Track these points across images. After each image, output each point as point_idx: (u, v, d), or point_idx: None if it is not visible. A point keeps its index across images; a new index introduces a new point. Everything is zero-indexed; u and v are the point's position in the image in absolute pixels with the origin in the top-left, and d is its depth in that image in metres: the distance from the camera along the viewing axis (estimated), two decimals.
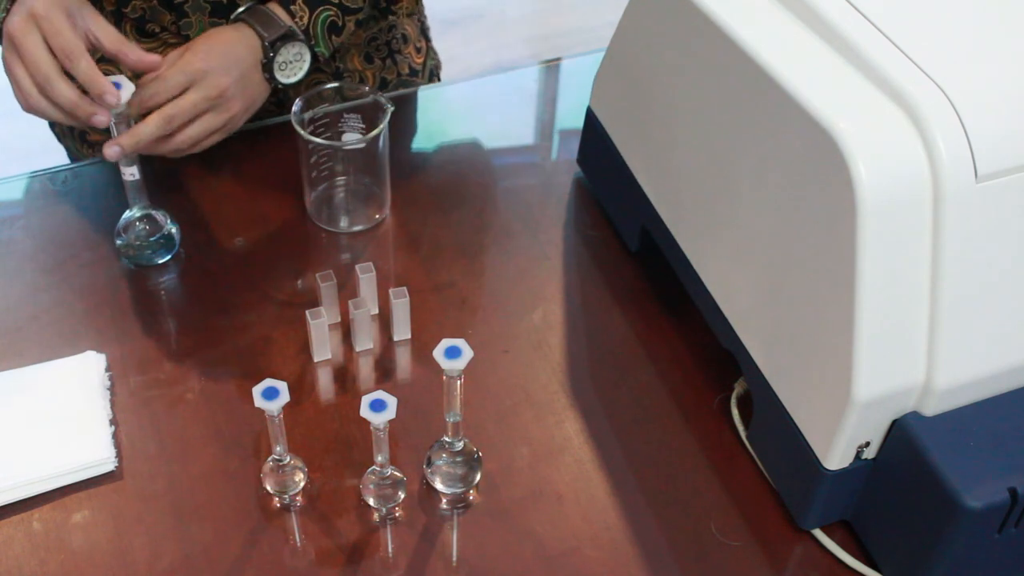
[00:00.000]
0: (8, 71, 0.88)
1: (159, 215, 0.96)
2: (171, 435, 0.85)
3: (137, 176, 0.93)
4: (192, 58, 0.92)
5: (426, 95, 1.17)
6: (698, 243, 0.86)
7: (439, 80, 1.28)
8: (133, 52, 0.90)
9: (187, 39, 1.07)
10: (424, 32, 1.24)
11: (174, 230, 0.97)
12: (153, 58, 0.90)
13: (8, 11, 0.88)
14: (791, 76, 0.72)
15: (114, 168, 1.06)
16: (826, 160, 0.68)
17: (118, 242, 0.96)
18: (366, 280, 0.90)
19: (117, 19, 1.07)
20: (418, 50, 1.23)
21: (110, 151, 0.89)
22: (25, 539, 0.78)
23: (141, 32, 1.08)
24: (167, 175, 1.05)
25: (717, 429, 0.86)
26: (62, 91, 0.86)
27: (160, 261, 0.96)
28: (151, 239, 0.96)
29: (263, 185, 1.04)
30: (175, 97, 0.91)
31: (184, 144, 0.93)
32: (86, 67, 0.86)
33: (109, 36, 0.89)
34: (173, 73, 0.91)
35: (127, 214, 0.96)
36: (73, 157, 1.21)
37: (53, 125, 1.22)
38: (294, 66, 0.99)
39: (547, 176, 1.08)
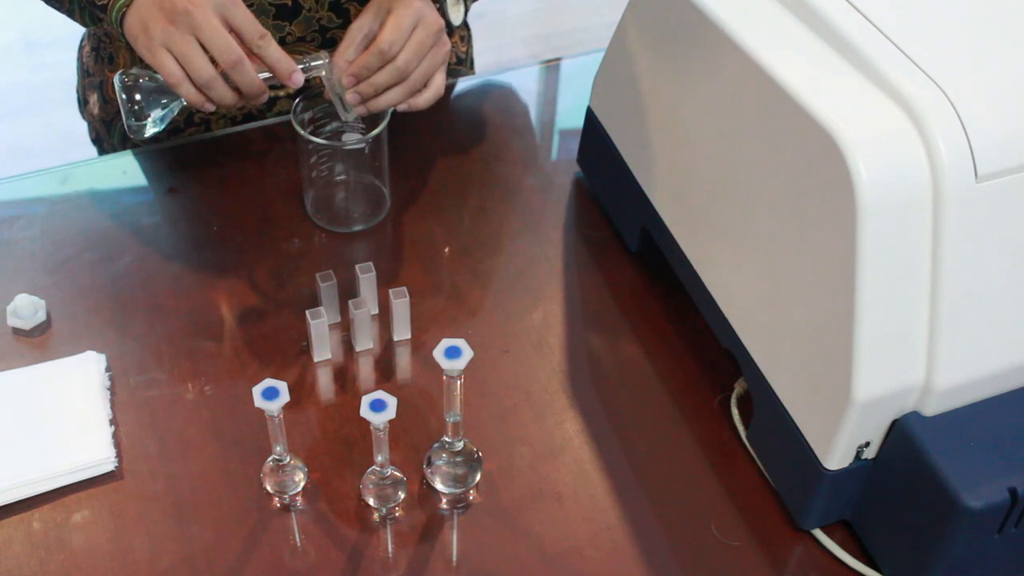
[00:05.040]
0: (176, 47, 0.86)
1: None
2: (171, 435, 0.85)
3: None
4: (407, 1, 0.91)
5: None
6: (698, 243, 0.86)
7: (474, 72, 1.28)
8: (276, 50, 0.88)
9: None
10: (465, 19, 1.24)
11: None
12: (290, 63, 0.88)
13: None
14: (791, 76, 0.72)
15: (113, 168, 1.06)
16: (826, 160, 0.68)
17: (154, 113, 0.90)
18: (366, 280, 0.90)
19: None
20: (463, 38, 1.23)
21: (353, 113, 0.92)
22: (25, 539, 0.78)
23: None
24: (166, 175, 1.05)
25: (717, 429, 0.86)
26: (253, 77, 0.86)
27: (163, 126, 0.91)
28: (159, 98, 0.90)
29: (263, 185, 1.04)
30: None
31: (418, 82, 0.92)
32: (277, 48, 0.86)
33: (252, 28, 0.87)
34: (402, 18, 0.90)
35: (135, 69, 0.90)
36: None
37: (91, 127, 1.22)
38: (455, 10, 1.01)
39: (547, 176, 1.08)
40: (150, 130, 0.90)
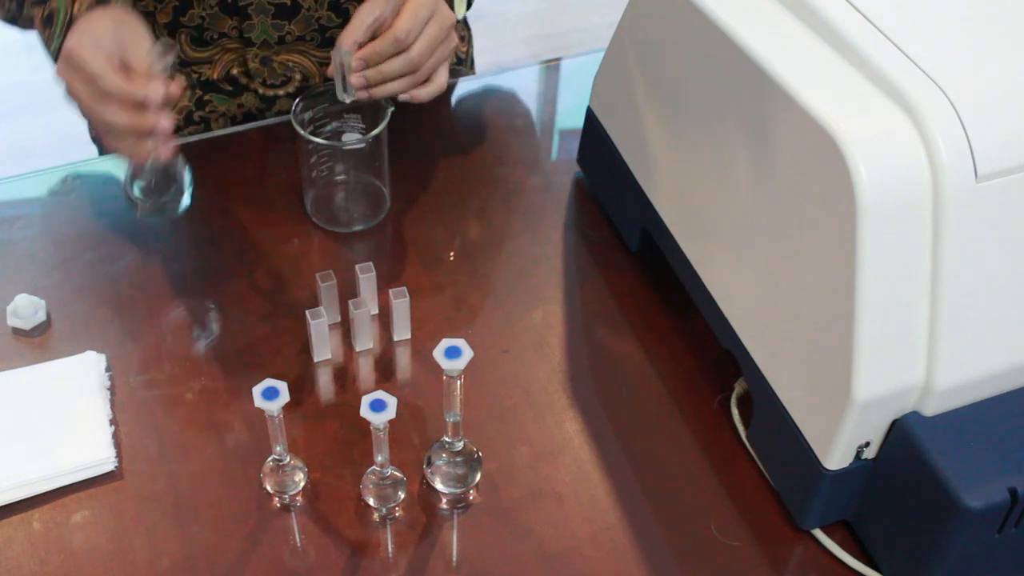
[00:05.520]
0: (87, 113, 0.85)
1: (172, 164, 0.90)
2: (171, 435, 0.85)
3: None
4: None
5: None
6: (698, 243, 0.86)
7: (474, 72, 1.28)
8: (157, 90, 0.83)
9: (248, 42, 1.07)
10: (466, 19, 1.24)
11: (187, 175, 0.91)
12: (175, 91, 0.85)
13: (64, 37, 0.87)
14: (791, 76, 0.72)
15: (113, 168, 1.06)
16: (826, 160, 0.68)
17: (135, 193, 0.89)
18: (366, 280, 0.90)
19: (172, 30, 1.06)
20: (463, 38, 1.23)
21: (353, 95, 0.91)
22: (25, 539, 0.78)
23: (198, 42, 1.08)
24: None
25: (717, 429, 0.86)
26: (116, 117, 0.82)
27: (181, 210, 0.90)
28: (169, 190, 0.90)
29: (263, 185, 1.04)
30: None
31: (425, 75, 0.93)
32: (116, 86, 0.81)
33: (140, 66, 0.83)
34: (419, 9, 0.90)
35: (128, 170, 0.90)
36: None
37: (91, 126, 1.22)
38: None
39: (547, 176, 1.08)
40: (182, 205, 0.90)
